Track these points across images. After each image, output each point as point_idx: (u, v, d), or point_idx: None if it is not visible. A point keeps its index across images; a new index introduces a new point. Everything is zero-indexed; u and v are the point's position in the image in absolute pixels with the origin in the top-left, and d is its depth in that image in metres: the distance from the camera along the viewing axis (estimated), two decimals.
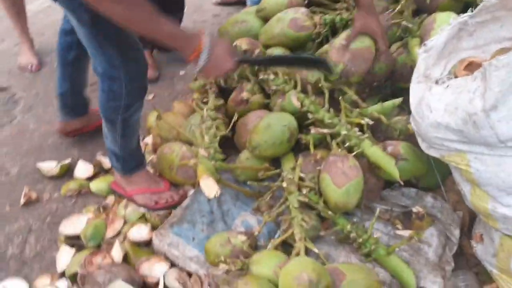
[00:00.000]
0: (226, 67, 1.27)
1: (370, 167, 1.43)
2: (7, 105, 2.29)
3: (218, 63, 1.25)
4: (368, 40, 1.53)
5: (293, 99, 1.49)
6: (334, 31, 1.91)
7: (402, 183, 1.34)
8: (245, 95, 1.71)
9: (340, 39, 1.58)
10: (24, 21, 2.50)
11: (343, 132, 1.38)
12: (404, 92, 1.48)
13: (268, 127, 1.44)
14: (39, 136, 2.09)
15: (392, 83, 1.71)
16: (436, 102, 1.21)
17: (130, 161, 1.64)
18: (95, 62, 1.42)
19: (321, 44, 1.89)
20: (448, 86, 1.18)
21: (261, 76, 1.64)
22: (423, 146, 1.33)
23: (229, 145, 1.75)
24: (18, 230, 1.66)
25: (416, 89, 1.33)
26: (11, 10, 2.41)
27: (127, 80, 1.41)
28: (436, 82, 1.28)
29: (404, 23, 1.63)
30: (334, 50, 1.55)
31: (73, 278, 1.45)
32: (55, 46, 2.69)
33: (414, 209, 1.44)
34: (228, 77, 1.86)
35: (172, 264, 1.43)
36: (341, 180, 1.27)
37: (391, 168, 1.31)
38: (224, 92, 1.94)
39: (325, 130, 1.42)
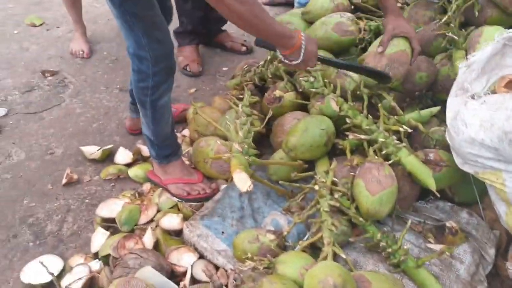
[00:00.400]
0: (311, 64, 1.36)
1: (404, 175, 1.41)
2: (57, 88, 2.38)
3: (307, 60, 1.34)
4: (403, 43, 1.51)
5: (332, 103, 1.49)
6: (378, 37, 1.89)
7: (438, 195, 1.32)
8: (277, 93, 1.72)
9: (374, 46, 1.56)
10: (79, 10, 2.60)
11: (381, 139, 1.36)
12: (445, 104, 1.46)
13: (305, 130, 1.45)
14: (84, 120, 2.17)
15: (433, 94, 1.68)
16: (472, 118, 1.20)
17: (164, 148, 1.69)
18: (127, 43, 1.49)
19: (364, 50, 1.88)
20: (484, 101, 1.16)
21: (301, 78, 1.65)
22: (457, 161, 1.31)
23: (264, 143, 1.77)
24: (57, 209, 1.73)
25: (453, 103, 1.31)
26: None
27: (153, 60, 1.47)
28: (472, 97, 1.26)
29: (450, 34, 1.60)
30: (371, 57, 1.54)
31: (105, 259, 1.51)
32: (107, 35, 2.82)
33: (448, 224, 1.41)
34: (262, 75, 1.90)
35: (200, 256, 1.46)
36: (375, 188, 1.26)
37: (428, 179, 1.29)
38: (260, 90, 1.96)
39: (363, 136, 1.41)
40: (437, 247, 1.39)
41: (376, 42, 1.57)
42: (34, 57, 2.64)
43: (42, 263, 1.39)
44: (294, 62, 1.33)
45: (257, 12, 1.20)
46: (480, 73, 1.32)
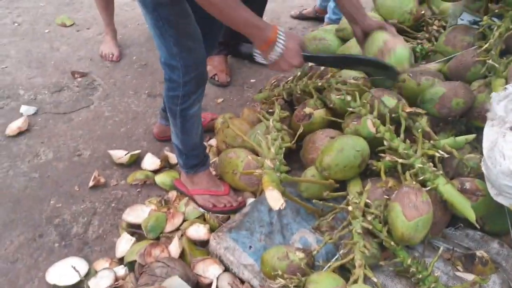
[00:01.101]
0: (294, 61, 1.31)
1: (437, 200, 1.40)
2: (86, 90, 2.41)
3: (289, 57, 1.29)
4: (380, 35, 1.51)
5: (369, 124, 1.48)
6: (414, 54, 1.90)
7: (478, 226, 1.31)
8: (307, 110, 1.72)
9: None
10: (111, 13, 2.63)
11: (418, 164, 1.36)
12: (479, 131, 1.45)
13: (341, 151, 1.44)
14: (112, 123, 2.19)
15: (467, 120, 1.67)
16: (510, 150, 1.19)
17: (192, 158, 1.69)
18: (160, 53, 1.49)
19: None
20: None
21: (337, 96, 1.65)
22: (492, 192, 1.30)
23: (292, 158, 1.77)
24: (83, 211, 1.75)
25: (489, 133, 1.30)
26: (101, 2, 2.55)
27: (184, 70, 1.46)
28: (510, 129, 1.25)
29: (490, 62, 1.59)
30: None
31: (130, 266, 1.51)
32: (136, 40, 2.85)
33: (478, 253, 1.40)
34: (291, 91, 1.90)
35: (225, 269, 1.46)
36: (411, 213, 1.25)
37: (467, 210, 1.28)
38: (289, 105, 1.97)
39: (400, 160, 1.40)
40: (466, 276, 1.37)
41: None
42: (64, 58, 2.67)
43: (74, 267, 1.40)
44: (272, 57, 1.29)
45: (229, 1, 1.19)
46: None
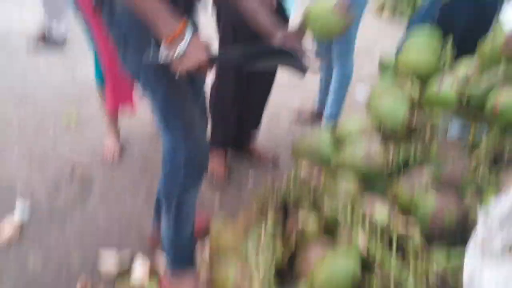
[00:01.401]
0: (200, 58, 1.24)
1: None
2: (83, 187, 2.40)
3: (193, 54, 1.22)
4: None
5: (360, 241, 1.45)
6: (407, 163, 1.89)
7: None
8: (300, 224, 1.70)
9: None
10: (117, 122, 2.73)
11: (411, 285, 1.30)
12: None
13: (332, 273, 1.40)
14: (106, 227, 2.15)
15: (462, 232, 1.62)
16: (488, 278, 1.15)
17: (181, 254, 1.67)
18: (164, 144, 1.49)
19: (390, 176, 1.86)
20: (503, 260, 1.12)
21: (329, 208, 1.62)
22: None
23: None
24: None
25: (470, 260, 1.25)
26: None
27: (186, 161, 1.46)
28: (491, 254, 1.21)
29: (481, 171, 1.57)
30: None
31: None
32: (139, 139, 2.88)
33: None
34: (285, 196, 1.88)
35: None
36: None
37: None
38: (284, 208, 1.93)
39: (392, 280, 1.35)
40: None
41: None
42: (66, 155, 2.68)
43: None
44: (179, 51, 1.20)
45: None
46: (501, 224, 1.27)
